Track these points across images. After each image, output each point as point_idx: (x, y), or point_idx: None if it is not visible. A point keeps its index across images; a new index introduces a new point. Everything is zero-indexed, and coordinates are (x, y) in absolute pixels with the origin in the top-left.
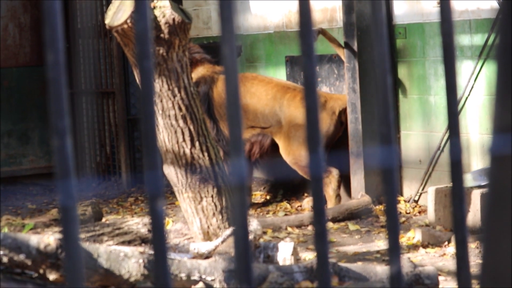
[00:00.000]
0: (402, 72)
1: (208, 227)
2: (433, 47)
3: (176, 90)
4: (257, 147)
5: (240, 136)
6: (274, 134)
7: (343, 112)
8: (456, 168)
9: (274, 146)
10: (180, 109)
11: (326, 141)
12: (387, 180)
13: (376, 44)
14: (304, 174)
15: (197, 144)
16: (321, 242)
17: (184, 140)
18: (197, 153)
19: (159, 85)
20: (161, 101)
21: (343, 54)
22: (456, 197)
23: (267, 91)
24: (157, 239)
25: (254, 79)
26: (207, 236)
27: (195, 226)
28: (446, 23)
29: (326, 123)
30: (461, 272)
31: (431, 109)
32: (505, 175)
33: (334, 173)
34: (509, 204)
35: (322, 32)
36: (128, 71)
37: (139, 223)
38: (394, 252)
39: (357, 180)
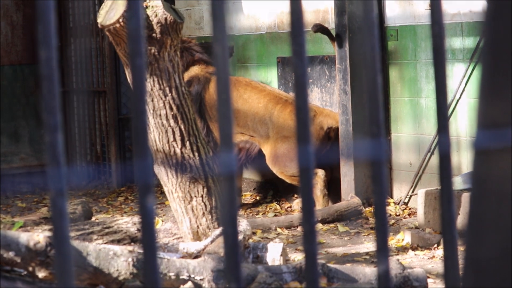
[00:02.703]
0: (393, 74)
1: (198, 227)
2: (424, 49)
3: (167, 89)
4: (244, 154)
5: (231, 129)
6: (261, 144)
7: (332, 129)
8: (445, 163)
9: (262, 154)
10: (171, 108)
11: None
12: (376, 177)
13: (367, 41)
14: (291, 182)
15: (187, 144)
16: (310, 242)
17: (174, 139)
18: (187, 153)
19: (150, 85)
20: (152, 100)
21: None
22: (444, 194)
23: (259, 99)
24: (146, 235)
25: (248, 85)
26: (197, 236)
27: (185, 225)
28: (437, 25)
29: (312, 137)
30: (449, 273)
31: (422, 111)
32: (488, 169)
33: (320, 173)
34: (492, 198)
35: (321, 28)
36: (120, 71)
37: (128, 222)
38: (382, 252)
39: (347, 182)
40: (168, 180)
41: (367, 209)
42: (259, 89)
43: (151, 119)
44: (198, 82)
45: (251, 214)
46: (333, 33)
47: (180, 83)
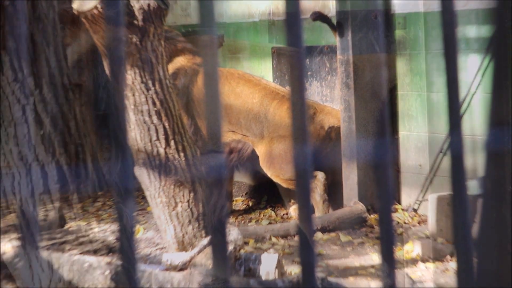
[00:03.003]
0: (401, 66)
1: (183, 235)
2: (436, 39)
3: (150, 83)
4: (236, 155)
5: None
6: (255, 144)
7: (334, 129)
8: (457, 164)
9: (255, 155)
10: (154, 103)
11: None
12: (381, 180)
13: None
14: (288, 186)
15: (172, 143)
16: (307, 253)
17: (158, 138)
18: (172, 153)
19: (131, 77)
20: (133, 95)
21: None
22: (457, 199)
23: (254, 94)
24: (125, 245)
25: (240, 79)
26: (182, 246)
27: (169, 234)
28: (447, 12)
29: (311, 137)
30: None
31: (433, 107)
32: (501, 169)
33: (320, 176)
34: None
35: (320, 15)
36: (98, 62)
37: (106, 231)
38: (388, 264)
39: (350, 186)
40: (150, 183)
41: (372, 216)
42: (253, 82)
43: (131, 115)
44: (184, 75)
45: (242, 222)
46: (334, 21)
47: (164, 75)
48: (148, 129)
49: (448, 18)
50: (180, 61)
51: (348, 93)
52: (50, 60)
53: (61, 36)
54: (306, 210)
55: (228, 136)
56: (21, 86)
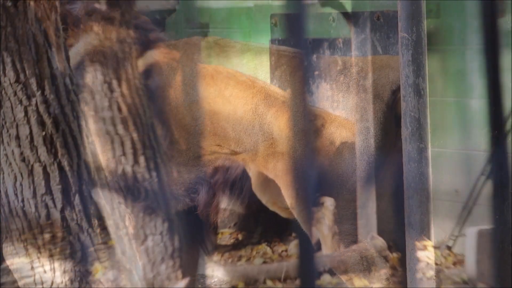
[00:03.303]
0: (433, 65)
1: (154, 277)
2: (477, 31)
3: (115, 83)
4: (222, 176)
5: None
6: (247, 162)
7: (347, 145)
8: (503, 190)
9: (247, 175)
10: (119, 109)
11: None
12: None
13: None
14: (287, 216)
15: (141, 159)
16: None
17: (123, 153)
18: (141, 172)
19: (91, 76)
20: (93, 98)
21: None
22: (502, 235)
23: (246, 99)
24: None
25: (230, 79)
26: None
27: (136, 275)
28: None
29: (319, 155)
30: None
31: (472, 117)
32: None
33: (328, 204)
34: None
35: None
36: (50, 55)
37: (55, 270)
38: None
39: (367, 216)
40: (113, 210)
41: (394, 254)
42: (247, 84)
43: (90, 123)
44: (159, 73)
45: (230, 260)
46: (349, 8)
47: (133, 74)
48: (112, 142)
49: (489, 7)
50: (153, 56)
51: (366, 98)
52: (52, 61)
53: (64, 37)
54: (309, 246)
55: (213, 152)
56: (23, 87)
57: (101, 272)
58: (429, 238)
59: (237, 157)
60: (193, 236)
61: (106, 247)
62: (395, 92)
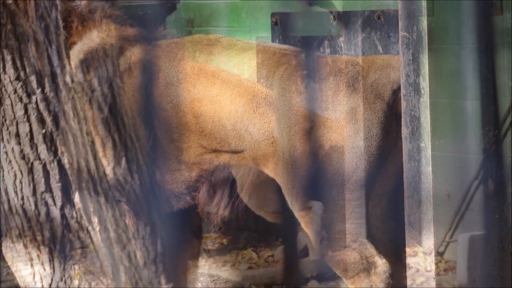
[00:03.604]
0: (427, 64)
1: (136, 282)
2: (472, 30)
3: (95, 81)
4: (207, 178)
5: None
6: (232, 164)
7: (336, 149)
8: (499, 195)
9: (232, 178)
10: (100, 109)
11: (305, 182)
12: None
13: None
14: (274, 220)
15: (123, 161)
16: None
17: (105, 155)
18: (123, 175)
19: (70, 73)
20: (73, 97)
21: None
22: (496, 241)
23: (233, 98)
24: None
25: (216, 77)
26: None
27: (117, 280)
28: None
29: (307, 159)
30: None
31: (467, 120)
32: None
33: (316, 208)
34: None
35: None
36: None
37: (34, 275)
38: None
39: (355, 221)
40: (94, 213)
41: (383, 260)
42: (233, 83)
43: (72, 123)
44: (142, 71)
45: (214, 265)
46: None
47: (114, 71)
48: (92, 143)
49: (483, 5)
50: (135, 53)
51: (356, 99)
52: (53, 59)
53: (64, 35)
54: (294, 252)
55: (197, 154)
56: (23, 85)
57: (80, 277)
58: (419, 244)
59: (223, 158)
60: (176, 240)
61: (87, 251)
62: (396, 91)
